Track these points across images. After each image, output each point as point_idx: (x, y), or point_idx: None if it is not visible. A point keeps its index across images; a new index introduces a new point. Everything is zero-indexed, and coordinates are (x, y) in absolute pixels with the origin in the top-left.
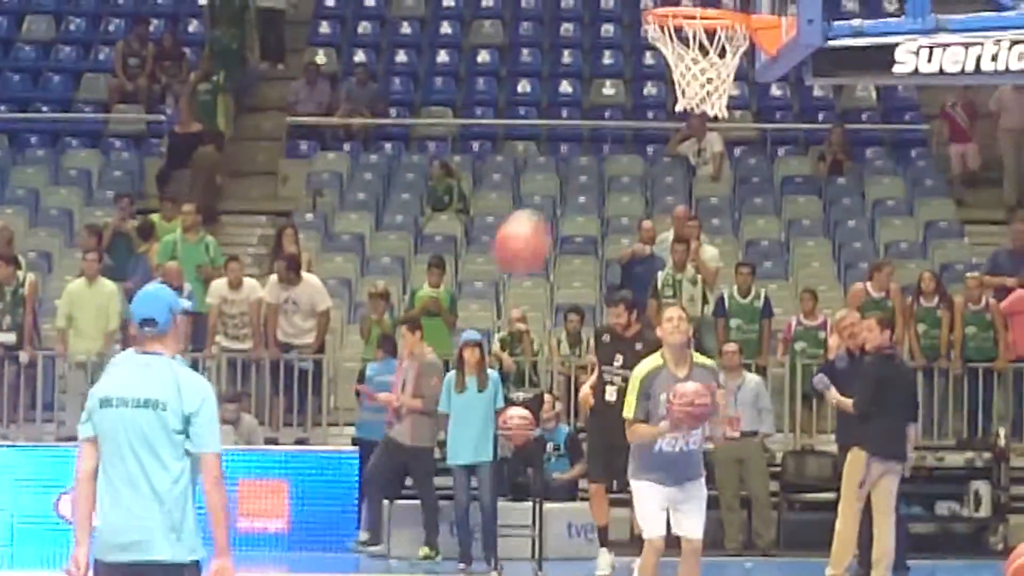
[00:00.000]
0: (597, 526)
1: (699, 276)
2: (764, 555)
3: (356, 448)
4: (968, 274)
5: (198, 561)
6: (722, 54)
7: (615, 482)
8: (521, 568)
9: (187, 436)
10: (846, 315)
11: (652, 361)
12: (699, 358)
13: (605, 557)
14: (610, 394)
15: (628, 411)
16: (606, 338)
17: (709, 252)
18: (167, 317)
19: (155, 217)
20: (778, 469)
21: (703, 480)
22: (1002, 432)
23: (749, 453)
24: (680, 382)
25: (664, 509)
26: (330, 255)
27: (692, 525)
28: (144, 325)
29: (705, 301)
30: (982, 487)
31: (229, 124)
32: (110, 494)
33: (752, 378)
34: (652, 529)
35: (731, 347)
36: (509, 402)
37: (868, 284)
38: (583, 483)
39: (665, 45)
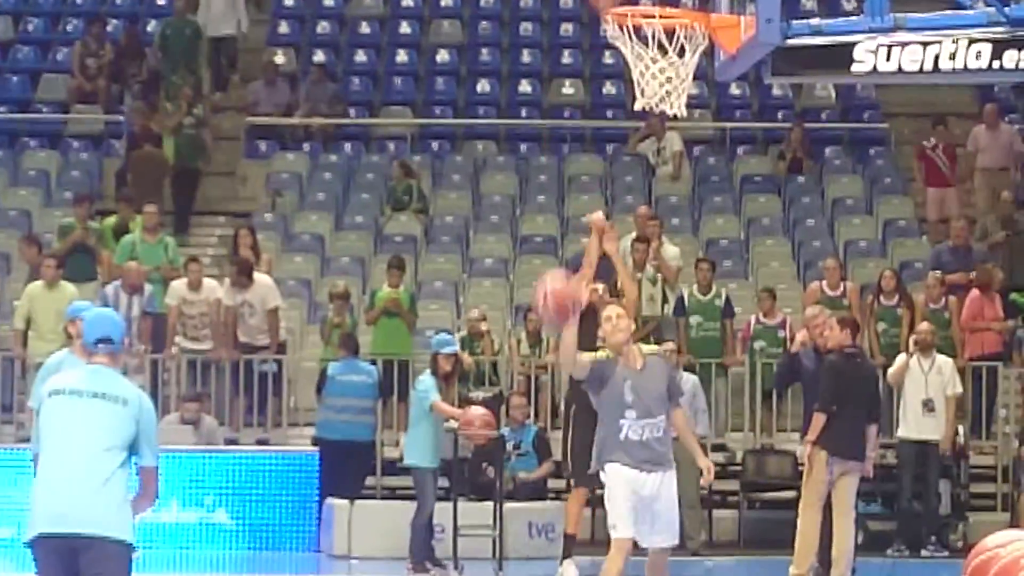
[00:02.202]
0: (566, 532)
1: (659, 275)
2: (695, 555)
3: (316, 448)
4: (932, 273)
5: (131, 544)
6: (681, 53)
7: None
8: (482, 568)
9: (134, 443)
10: (818, 312)
11: (603, 354)
12: (645, 349)
13: (571, 569)
14: None
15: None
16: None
17: (671, 251)
18: (121, 337)
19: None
20: (738, 468)
21: (674, 475)
22: (961, 430)
23: (681, 455)
24: (638, 374)
25: (635, 508)
26: (290, 255)
27: (662, 539)
28: (100, 343)
29: (665, 300)
30: (942, 485)
31: (207, 157)
32: (51, 472)
33: (689, 378)
34: (622, 529)
35: (668, 346)
36: (469, 401)
37: (823, 283)
38: (550, 483)
39: (624, 44)
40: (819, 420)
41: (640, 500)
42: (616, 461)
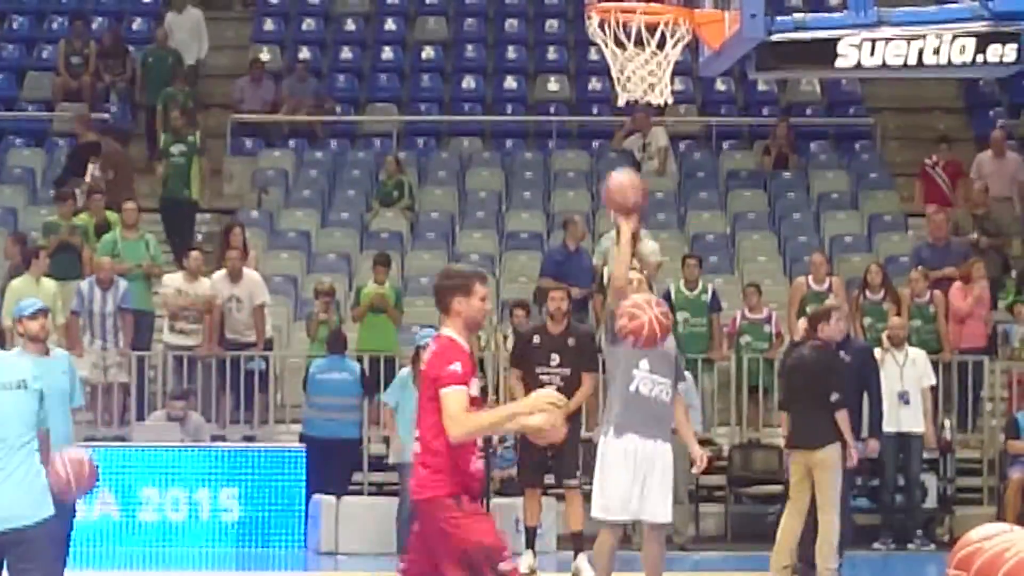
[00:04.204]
0: (526, 526)
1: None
2: (682, 549)
3: (303, 445)
4: (920, 267)
5: (50, 515)
6: (661, 44)
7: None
8: None
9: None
10: (840, 303)
11: None
12: None
13: (528, 558)
14: None
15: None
16: (536, 340)
17: (649, 247)
18: None
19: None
20: (725, 463)
21: (670, 450)
22: (947, 424)
23: (674, 447)
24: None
25: (629, 481)
26: (276, 252)
27: (659, 509)
28: None
29: None
30: (928, 479)
31: (203, 190)
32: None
33: None
34: (614, 512)
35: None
36: None
37: (809, 277)
38: None
39: (604, 42)
40: (782, 418)
41: (636, 466)
42: (615, 424)
